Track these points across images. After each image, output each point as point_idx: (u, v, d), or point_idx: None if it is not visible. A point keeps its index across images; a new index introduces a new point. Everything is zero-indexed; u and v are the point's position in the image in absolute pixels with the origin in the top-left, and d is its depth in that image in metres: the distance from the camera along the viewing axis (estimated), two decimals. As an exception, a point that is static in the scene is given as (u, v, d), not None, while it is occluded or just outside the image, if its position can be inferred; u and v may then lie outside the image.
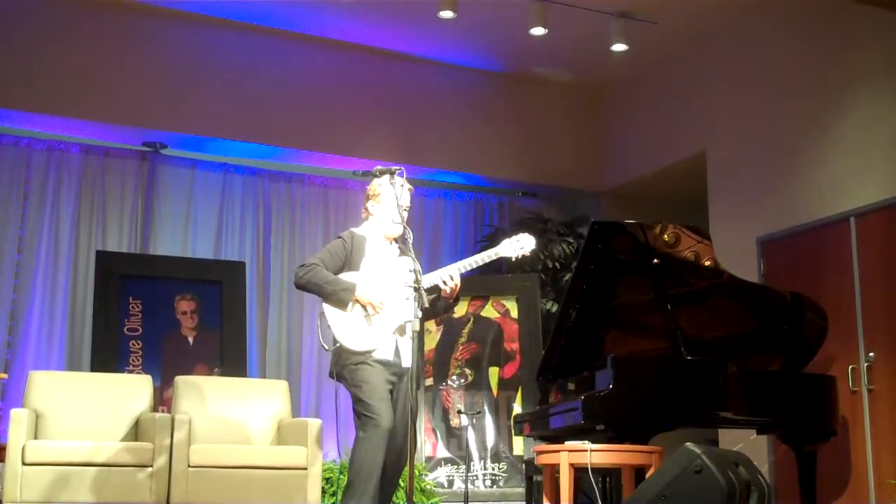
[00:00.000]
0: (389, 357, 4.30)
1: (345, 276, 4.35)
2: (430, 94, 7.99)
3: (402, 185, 4.39)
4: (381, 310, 4.29)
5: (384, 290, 4.32)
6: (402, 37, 7.61)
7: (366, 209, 4.56)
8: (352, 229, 4.53)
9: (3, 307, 6.86)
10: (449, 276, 4.34)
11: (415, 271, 4.02)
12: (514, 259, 4.49)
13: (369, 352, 4.27)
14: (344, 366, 4.29)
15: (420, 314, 3.97)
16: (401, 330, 4.32)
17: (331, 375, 4.39)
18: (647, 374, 4.79)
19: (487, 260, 4.47)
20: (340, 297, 4.28)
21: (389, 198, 4.40)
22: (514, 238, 4.49)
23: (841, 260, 6.15)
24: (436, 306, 4.41)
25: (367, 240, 4.47)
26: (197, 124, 7.24)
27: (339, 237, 4.49)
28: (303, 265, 4.37)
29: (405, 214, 4.36)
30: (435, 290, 4.37)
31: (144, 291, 7.05)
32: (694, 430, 5.03)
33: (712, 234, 5.33)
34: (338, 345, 4.28)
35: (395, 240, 4.48)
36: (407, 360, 4.31)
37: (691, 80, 7.60)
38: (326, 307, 4.33)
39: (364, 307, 4.30)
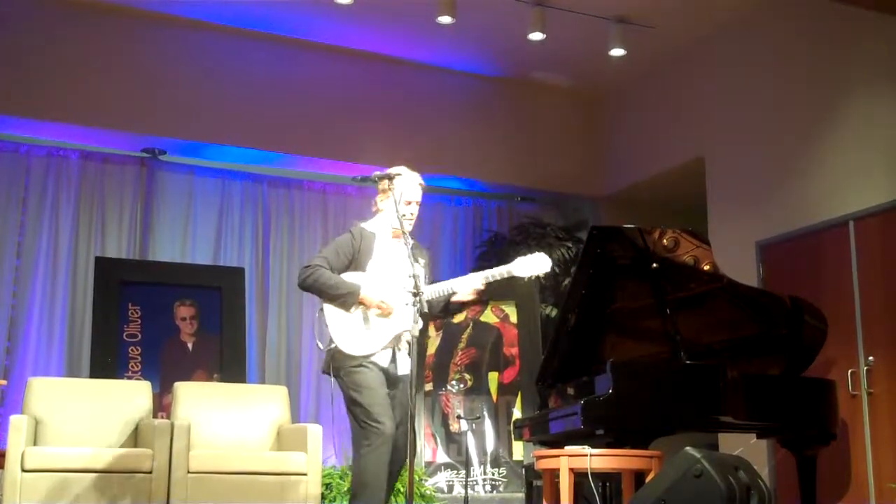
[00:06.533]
0: (385, 364, 4.26)
1: (348, 277, 4.28)
2: (429, 99, 7.99)
3: (411, 182, 4.37)
4: (389, 312, 4.23)
5: (389, 293, 4.26)
6: (400, 42, 7.62)
7: (375, 203, 4.48)
8: (361, 225, 4.42)
9: (3, 313, 6.86)
10: (472, 288, 4.31)
11: (414, 276, 3.98)
12: (525, 280, 4.36)
13: (366, 356, 4.22)
14: (340, 367, 4.23)
15: (420, 321, 3.94)
16: (397, 340, 4.27)
17: (325, 371, 4.32)
18: (647, 379, 4.78)
19: (498, 277, 4.32)
20: (344, 301, 4.22)
21: (398, 194, 4.31)
22: (529, 257, 4.34)
23: (840, 263, 6.15)
24: (448, 309, 4.40)
25: (377, 237, 4.39)
26: (196, 130, 7.24)
27: (349, 232, 4.39)
28: (307, 265, 4.28)
29: (416, 209, 4.36)
30: (444, 297, 4.32)
31: (143, 297, 7.05)
32: (694, 435, 5.02)
33: (711, 239, 5.32)
34: (333, 346, 4.22)
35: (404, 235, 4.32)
36: (403, 368, 4.28)
37: (689, 85, 7.61)
38: (327, 306, 4.26)
39: (369, 308, 4.23)
